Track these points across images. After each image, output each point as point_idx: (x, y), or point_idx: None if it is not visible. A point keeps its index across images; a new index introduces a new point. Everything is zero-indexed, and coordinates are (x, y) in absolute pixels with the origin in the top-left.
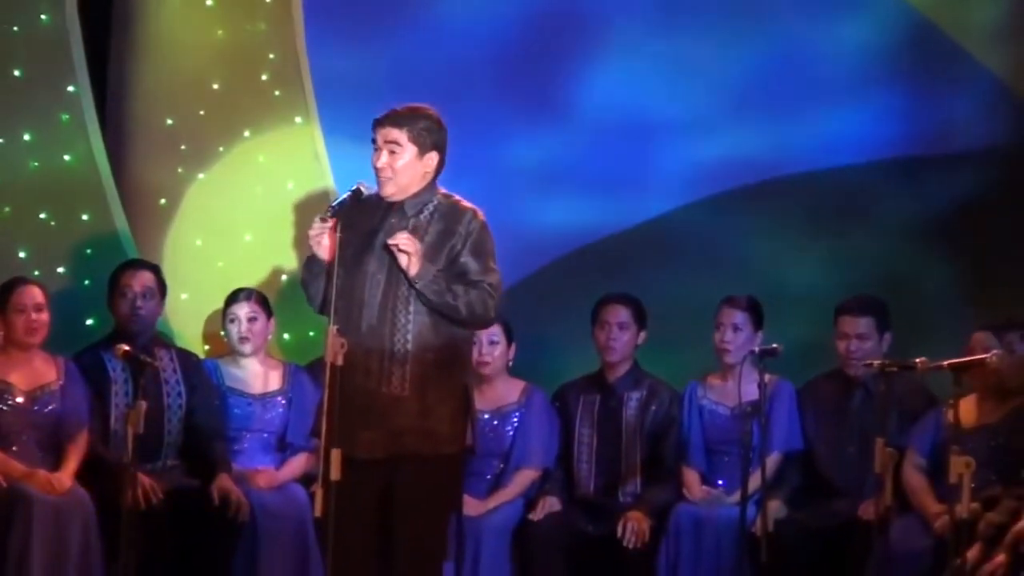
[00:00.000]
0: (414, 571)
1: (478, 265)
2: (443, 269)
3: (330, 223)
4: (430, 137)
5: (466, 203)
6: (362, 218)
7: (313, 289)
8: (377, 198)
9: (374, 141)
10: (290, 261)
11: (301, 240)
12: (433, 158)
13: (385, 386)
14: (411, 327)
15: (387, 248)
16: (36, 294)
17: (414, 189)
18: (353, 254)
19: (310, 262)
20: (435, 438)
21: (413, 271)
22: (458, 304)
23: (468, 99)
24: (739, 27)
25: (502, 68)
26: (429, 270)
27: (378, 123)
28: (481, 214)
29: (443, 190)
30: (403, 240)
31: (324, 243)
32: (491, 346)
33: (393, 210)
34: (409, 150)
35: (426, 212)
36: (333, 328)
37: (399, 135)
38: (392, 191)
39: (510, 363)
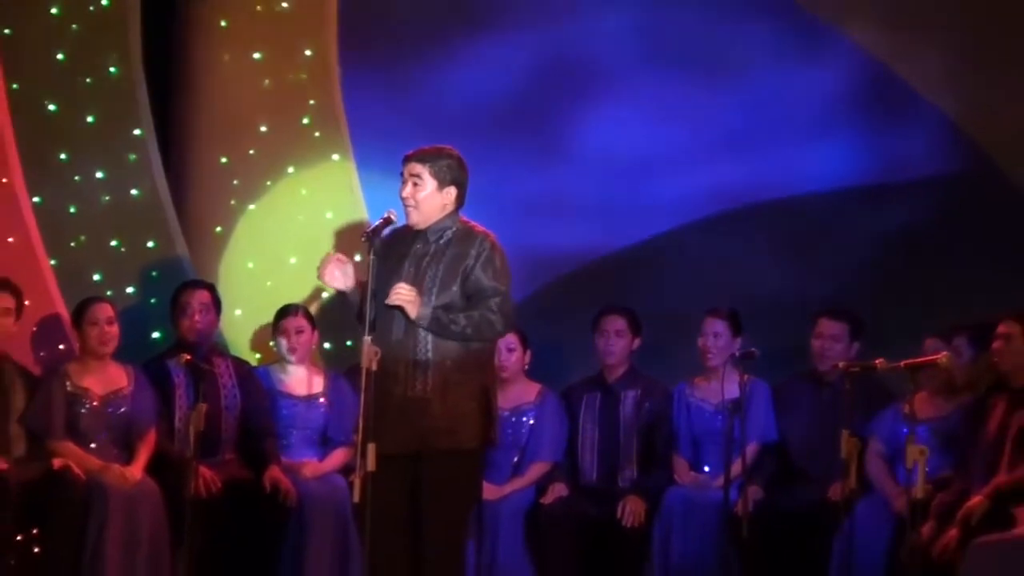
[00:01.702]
0: (440, 554)
1: (488, 281)
2: (458, 286)
3: (341, 265)
4: (450, 173)
5: (480, 228)
6: (395, 244)
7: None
8: (408, 227)
9: (402, 174)
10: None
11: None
12: (452, 192)
13: (411, 390)
14: (431, 338)
15: (415, 268)
16: (107, 310)
17: (435, 218)
18: (388, 275)
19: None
20: (456, 435)
21: (412, 316)
22: (461, 331)
23: (484, 138)
24: (718, 75)
25: (512, 112)
26: (426, 314)
27: (406, 159)
28: (493, 237)
29: (463, 218)
30: (398, 296)
31: (335, 275)
32: (509, 353)
33: (419, 237)
34: (430, 184)
35: (445, 237)
36: (368, 339)
37: (422, 170)
38: (416, 219)
39: (526, 367)
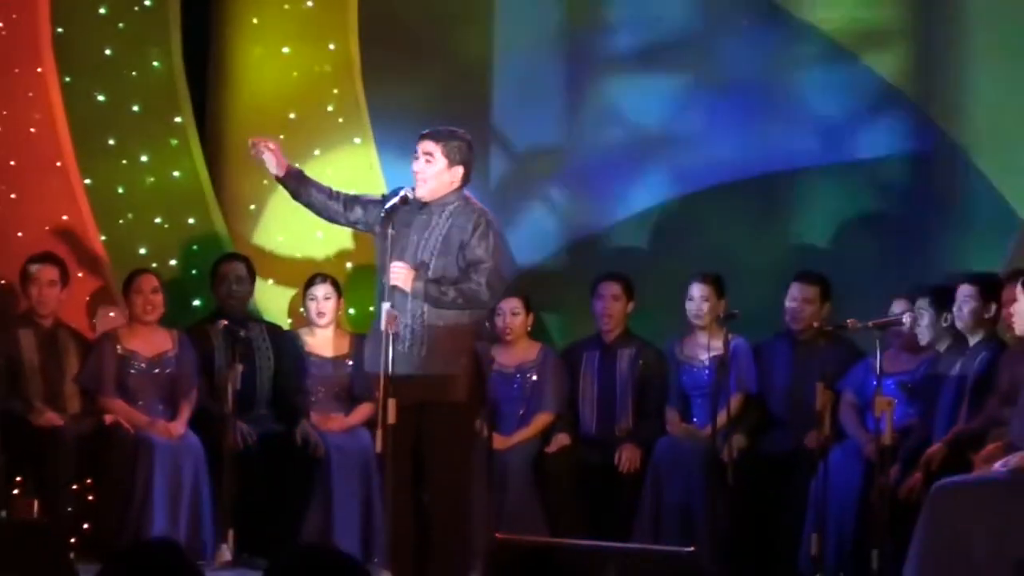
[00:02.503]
0: (444, 494)
1: (481, 254)
2: (455, 255)
3: (261, 145)
4: (460, 154)
5: (478, 205)
6: (403, 215)
7: (303, 202)
8: (416, 199)
9: (416, 151)
10: (352, 252)
11: (360, 236)
12: (459, 171)
13: (411, 349)
14: (427, 305)
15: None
16: (152, 281)
17: (442, 193)
18: (398, 244)
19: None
20: (449, 390)
21: (408, 290)
22: (452, 301)
23: (492, 118)
24: (709, 66)
25: (520, 94)
26: (419, 287)
27: (421, 137)
28: (489, 214)
29: (466, 194)
30: (395, 276)
31: (265, 159)
32: (513, 316)
33: (424, 208)
34: (441, 162)
35: (447, 211)
36: (387, 304)
37: (434, 148)
38: (424, 192)
39: (529, 329)
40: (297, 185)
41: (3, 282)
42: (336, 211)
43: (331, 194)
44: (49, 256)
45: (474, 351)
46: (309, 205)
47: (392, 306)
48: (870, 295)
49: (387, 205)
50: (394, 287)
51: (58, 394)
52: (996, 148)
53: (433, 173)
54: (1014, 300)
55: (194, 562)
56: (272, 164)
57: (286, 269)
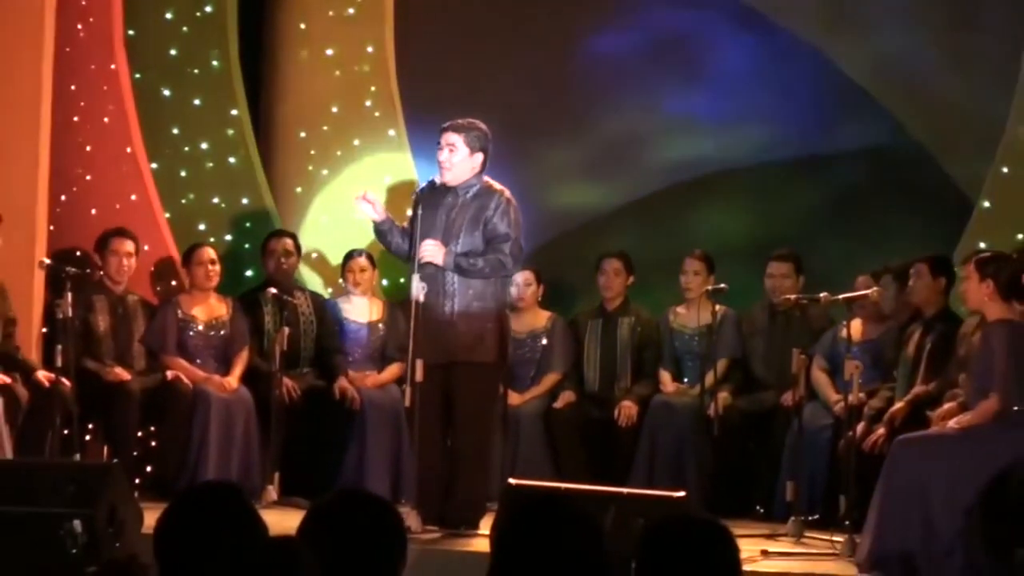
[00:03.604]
0: (470, 445)
1: (503, 229)
2: (480, 231)
3: (363, 198)
4: (479, 142)
5: (498, 186)
6: (433, 197)
7: (385, 241)
8: (444, 184)
9: (439, 142)
10: None
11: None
12: (479, 157)
13: (441, 315)
14: (455, 275)
15: (446, 216)
16: (210, 253)
17: (465, 178)
18: (427, 222)
19: (375, 226)
20: (476, 350)
21: (440, 263)
22: (479, 271)
23: (510, 113)
24: (694, 77)
25: (535, 94)
26: (450, 261)
27: (443, 129)
28: (508, 194)
29: (487, 178)
30: (426, 253)
31: (363, 211)
32: (526, 287)
33: (451, 192)
34: (463, 150)
35: (471, 193)
36: (416, 275)
37: (456, 138)
38: (449, 178)
39: (540, 299)
40: (387, 230)
41: (79, 254)
42: (402, 248)
43: (402, 235)
44: (125, 231)
45: (500, 318)
46: (387, 244)
47: (421, 278)
48: (840, 273)
49: (417, 190)
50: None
51: (126, 353)
52: (951, 144)
53: (456, 161)
54: (967, 279)
55: (248, 500)
56: (372, 212)
57: (327, 244)
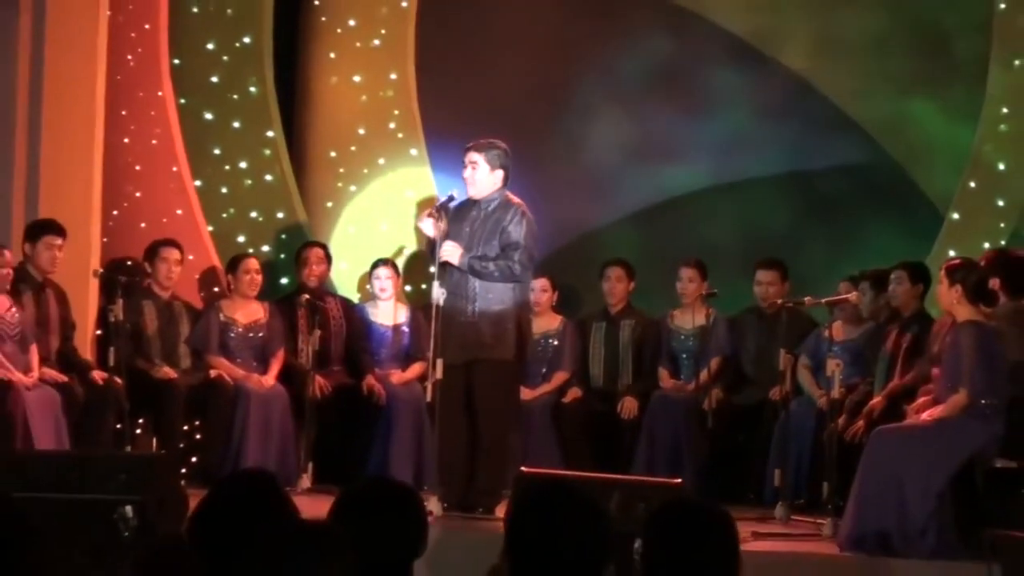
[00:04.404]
0: (490, 437)
1: (516, 238)
2: (497, 239)
3: (432, 218)
4: (499, 160)
5: (516, 200)
6: (461, 211)
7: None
8: (469, 199)
9: (463, 160)
10: (410, 241)
11: (414, 228)
12: (500, 173)
13: (463, 316)
14: (478, 280)
15: (470, 227)
16: (255, 263)
17: (487, 192)
18: (454, 232)
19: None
20: (496, 349)
21: (456, 263)
22: (490, 274)
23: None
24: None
25: (548, 113)
26: (464, 262)
27: (466, 149)
28: (524, 207)
29: (508, 193)
30: (447, 254)
31: (427, 226)
32: (542, 292)
33: (475, 205)
34: (484, 168)
35: (492, 206)
36: (437, 281)
37: (478, 157)
38: (473, 193)
39: (554, 303)
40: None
41: (130, 263)
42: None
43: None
44: (173, 240)
45: (519, 319)
46: (432, 255)
47: (444, 284)
48: (822, 278)
49: (438, 204)
50: (444, 266)
51: (173, 353)
52: (924, 162)
53: (479, 178)
54: (939, 283)
55: (283, 487)
56: (430, 228)
57: (356, 254)
